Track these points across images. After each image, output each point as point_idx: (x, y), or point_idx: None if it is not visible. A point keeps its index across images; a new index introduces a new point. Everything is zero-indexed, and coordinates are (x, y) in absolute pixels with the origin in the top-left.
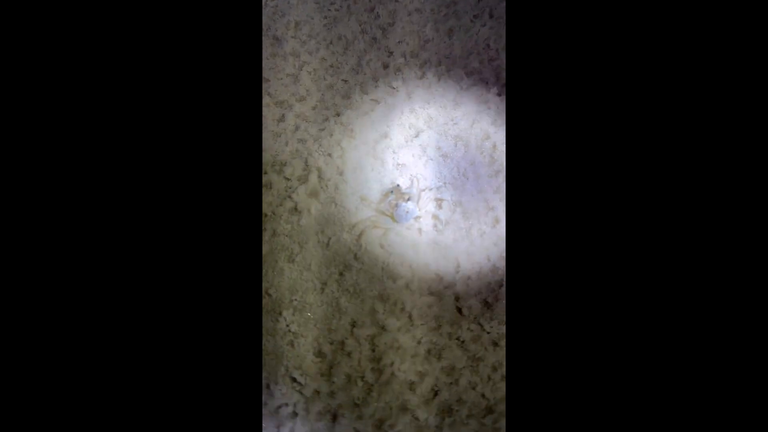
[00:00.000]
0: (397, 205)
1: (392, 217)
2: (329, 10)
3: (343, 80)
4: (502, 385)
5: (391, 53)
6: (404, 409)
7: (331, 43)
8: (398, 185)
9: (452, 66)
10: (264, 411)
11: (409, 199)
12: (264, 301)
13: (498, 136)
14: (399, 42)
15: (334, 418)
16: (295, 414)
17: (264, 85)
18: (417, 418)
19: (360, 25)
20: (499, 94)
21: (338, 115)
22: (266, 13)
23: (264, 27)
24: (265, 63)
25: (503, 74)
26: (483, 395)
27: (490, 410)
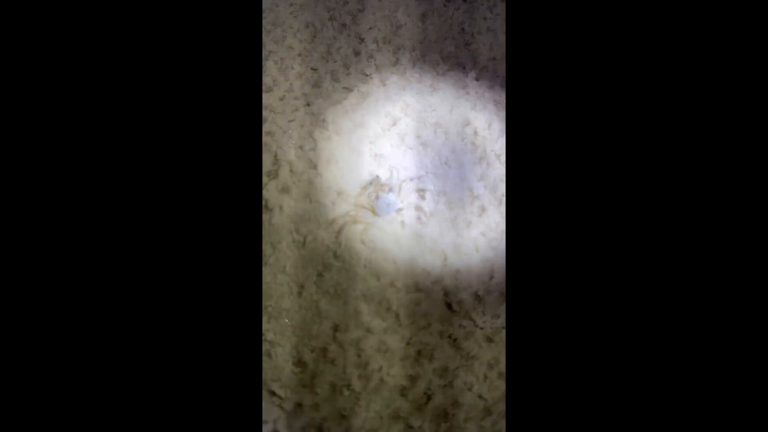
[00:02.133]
0: (377, 197)
1: (373, 211)
2: None
3: (312, 68)
4: (501, 384)
5: (363, 39)
6: (396, 417)
7: (298, 31)
8: (377, 176)
9: (427, 51)
10: None
11: (390, 190)
12: None
13: (479, 122)
14: (370, 28)
15: None
16: (276, 431)
17: None
18: (411, 426)
19: (328, 12)
20: (477, 79)
21: (308, 104)
22: None
23: None
24: None
25: (481, 58)
26: (480, 396)
27: (488, 411)
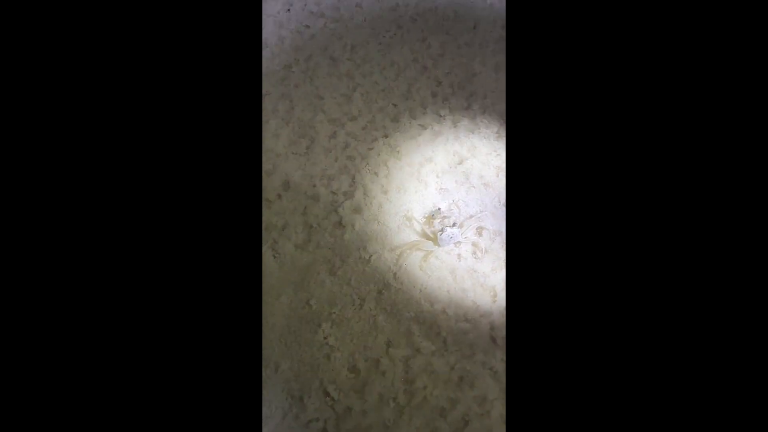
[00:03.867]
0: (442, 230)
1: (435, 240)
2: (384, 36)
3: (393, 104)
4: None
5: (440, 83)
6: None
7: (384, 68)
8: (439, 208)
9: (497, 100)
10: (294, 423)
11: (454, 224)
12: (304, 311)
13: None
14: (448, 73)
15: None
16: (325, 431)
17: (319, 103)
18: None
19: (412, 54)
20: None
21: (386, 136)
22: (325, 33)
23: (322, 47)
24: (321, 81)
25: None
26: None
27: None
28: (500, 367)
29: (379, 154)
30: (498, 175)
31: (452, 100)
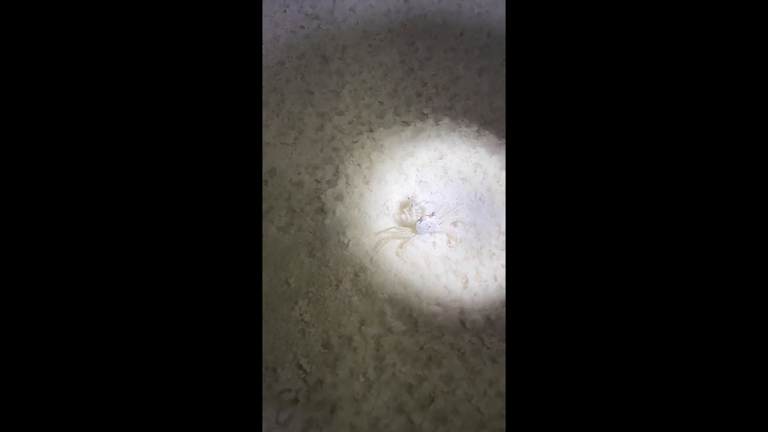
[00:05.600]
0: (420, 219)
1: (413, 229)
2: (374, 39)
3: (379, 101)
4: (498, 402)
5: (425, 84)
6: (401, 410)
7: (372, 68)
8: (410, 197)
9: (479, 101)
10: (266, 393)
11: (433, 214)
12: (282, 289)
13: None
14: (433, 75)
15: (333, 410)
16: (296, 401)
17: (308, 97)
18: (412, 422)
19: (400, 56)
20: None
21: (371, 131)
22: (318, 34)
23: (314, 46)
24: (312, 78)
25: None
26: (478, 409)
27: (483, 425)
28: (467, 348)
29: (363, 147)
30: (475, 171)
31: (436, 100)
